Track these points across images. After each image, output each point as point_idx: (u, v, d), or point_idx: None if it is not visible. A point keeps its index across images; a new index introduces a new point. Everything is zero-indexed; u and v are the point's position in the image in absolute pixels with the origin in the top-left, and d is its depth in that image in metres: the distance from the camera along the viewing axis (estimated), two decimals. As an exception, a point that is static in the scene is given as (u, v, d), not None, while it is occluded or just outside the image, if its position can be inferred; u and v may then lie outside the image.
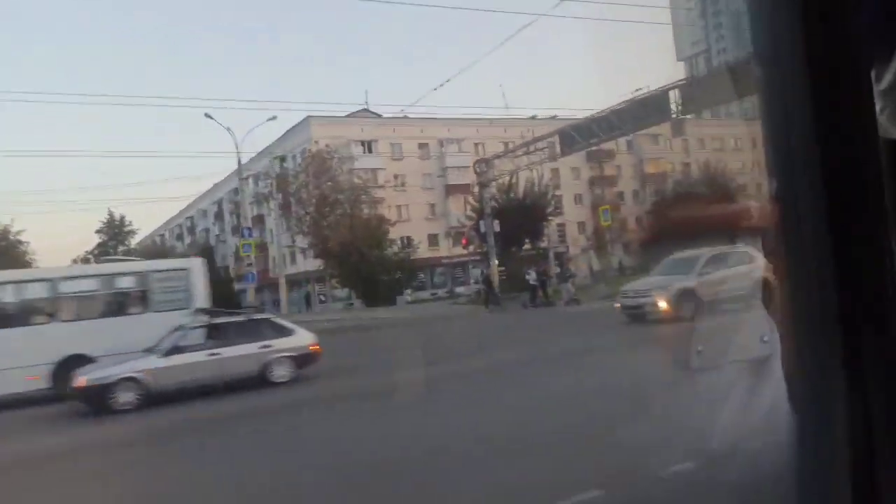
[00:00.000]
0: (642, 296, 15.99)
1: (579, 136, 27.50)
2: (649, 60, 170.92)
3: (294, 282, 52.11)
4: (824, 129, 0.73)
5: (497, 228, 32.56)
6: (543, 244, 41.23)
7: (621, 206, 59.71)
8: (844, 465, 0.75)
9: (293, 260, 51.88)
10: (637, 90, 26.39)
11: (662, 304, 14.99)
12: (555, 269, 36.51)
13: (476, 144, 52.84)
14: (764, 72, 0.78)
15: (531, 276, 27.46)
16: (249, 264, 34.32)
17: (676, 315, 14.09)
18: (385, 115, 55.18)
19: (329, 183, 37.74)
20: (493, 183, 35.60)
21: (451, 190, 52.69)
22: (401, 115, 55.58)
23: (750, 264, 13.59)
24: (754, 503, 3.69)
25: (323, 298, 48.61)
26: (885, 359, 0.74)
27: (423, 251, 50.95)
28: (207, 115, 36.62)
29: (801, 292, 0.79)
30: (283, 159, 49.78)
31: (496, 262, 32.86)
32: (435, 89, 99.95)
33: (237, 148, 38.24)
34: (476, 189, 35.90)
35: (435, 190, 54.50)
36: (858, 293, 0.74)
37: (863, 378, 0.74)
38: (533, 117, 53.49)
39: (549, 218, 39.77)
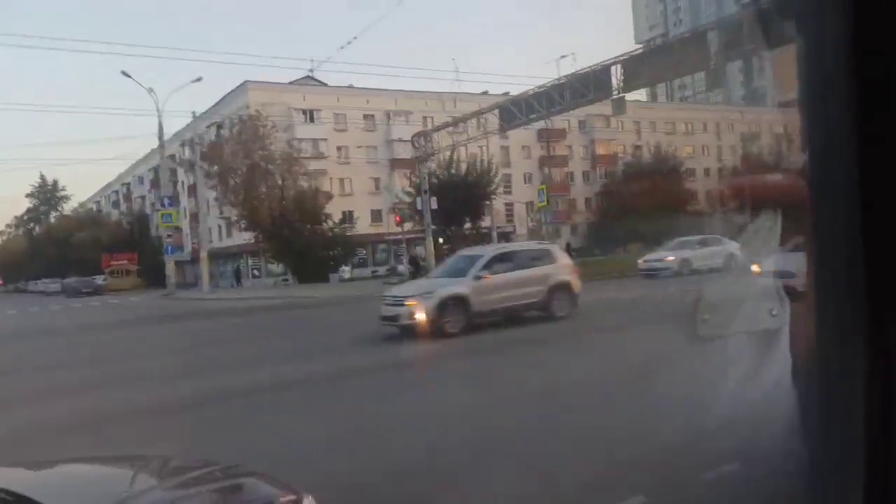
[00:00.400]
0: (399, 303, 11.95)
1: (518, 111, 26.06)
2: (608, 41, 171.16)
3: (228, 255, 49.77)
4: (863, 108, 0.71)
5: (434, 206, 31.07)
6: (486, 223, 39.88)
7: (571, 186, 58.91)
8: (860, 448, 0.74)
9: (229, 233, 49.46)
10: (562, 56, 25.11)
11: (420, 316, 11.29)
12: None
13: (425, 118, 50.89)
14: (804, 43, 0.77)
15: (403, 264, 25.68)
16: (169, 235, 32.11)
17: (440, 330, 11.21)
18: (330, 85, 52.82)
19: (261, 151, 35.44)
20: (434, 158, 34.00)
21: (396, 164, 50.79)
22: (346, 85, 53.56)
23: (552, 265, 12.66)
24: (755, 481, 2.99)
25: (257, 273, 46.47)
26: None
27: (365, 227, 49.27)
28: (125, 74, 33.89)
29: (828, 270, 0.78)
30: (220, 126, 47.04)
31: (431, 240, 31.43)
32: (342, 47, 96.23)
33: (158, 110, 35.41)
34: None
35: (380, 164, 52.55)
36: (889, 273, 0.71)
37: (888, 359, 0.72)
38: (485, 92, 51.84)
39: (492, 196, 38.34)
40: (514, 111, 26.47)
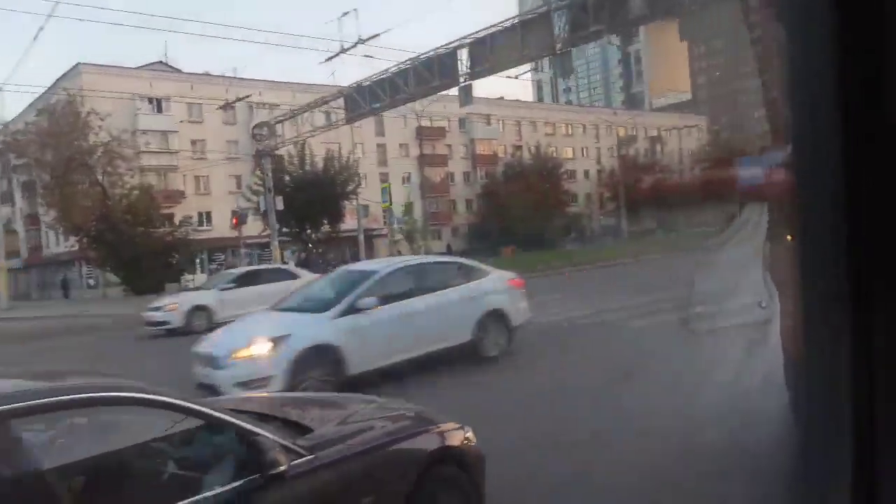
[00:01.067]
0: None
1: (363, 99, 23.14)
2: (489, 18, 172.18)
3: (60, 263, 43.61)
4: (849, 105, 0.72)
5: (280, 206, 27.59)
6: (350, 226, 36.65)
7: (451, 187, 56.85)
8: (847, 438, 0.76)
9: (66, 237, 43.36)
10: (344, 13, 22.58)
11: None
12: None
13: (292, 109, 46.94)
14: (790, 40, 0.79)
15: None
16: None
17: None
18: (184, 71, 47.76)
19: (77, 143, 30.37)
20: (284, 150, 30.47)
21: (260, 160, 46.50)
22: (202, 73, 48.62)
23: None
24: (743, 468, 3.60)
25: (92, 283, 40.78)
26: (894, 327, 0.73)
27: (225, 229, 44.60)
28: None
29: (812, 260, 0.79)
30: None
31: (277, 245, 27.94)
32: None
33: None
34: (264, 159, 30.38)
35: (242, 160, 48.03)
36: (873, 261, 0.72)
37: (871, 351, 0.73)
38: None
39: (351, 196, 35.19)
40: (358, 100, 23.52)
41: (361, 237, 36.14)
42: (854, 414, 0.75)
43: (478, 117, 54.09)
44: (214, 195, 45.58)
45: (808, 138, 0.77)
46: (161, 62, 48.18)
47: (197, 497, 2.32)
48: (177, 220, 35.70)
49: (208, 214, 44.81)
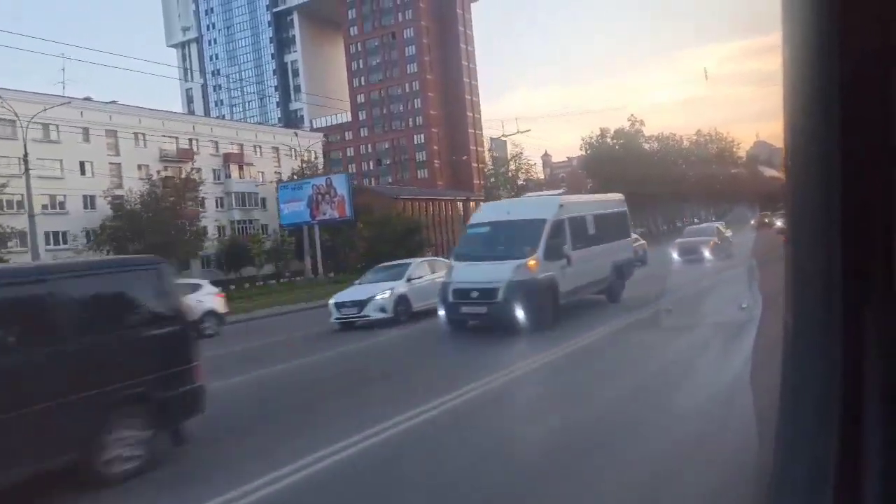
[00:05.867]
0: None
1: None
2: (137, 44, 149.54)
3: None
4: (842, 95, 0.73)
5: None
6: None
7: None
8: (832, 437, 0.77)
9: None
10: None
11: None
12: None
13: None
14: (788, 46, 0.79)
15: None
16: None
17: None
18: None
19: None
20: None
21: None
22: None
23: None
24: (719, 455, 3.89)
25: None
26: (887, 315, 0.74)
27: None
28: None
29: (807, 250, 0.80)
30: None
31: None
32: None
33: None
34: None
35: None
36: (866, 250, 0.74)
37: (861, 350, 0.75)
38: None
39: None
40: None
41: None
42: (842, 413, 0.75)
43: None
44: None
45: (803, 136, 0.77)
46: None
47: None
48: None
49: None
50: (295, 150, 54.50)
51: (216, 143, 51.83)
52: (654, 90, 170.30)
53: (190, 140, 49.69)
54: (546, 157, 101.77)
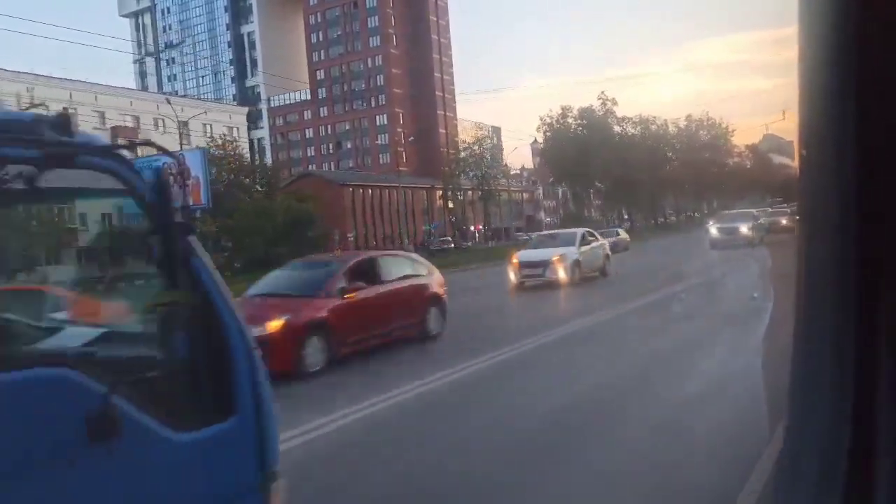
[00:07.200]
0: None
1: None
2: (88, 15, 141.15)
3: None
4: (858, 86, 0.73)
5: None
6: None
7: None
8: (843, 434, 0.77)
9: None
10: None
11: None
12: None
13: None
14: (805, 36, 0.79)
15: None
16: None
17: None
18: None
19: None
20: None
21: None
22: None
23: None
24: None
25: None
26: None
27: None
28: None
29: (820, 242, 0.81)
30: None
31: None
32: None
33: None
34: None
35: None
36: (880, 243, 0.74)
37: (874, 341, 0.75)
38: None
39: None
40: None
41: None
42: (854, 407, 0.75)
43: None
44: None
45: (819, 130, 0.77)
46: None
47: None
48: None
49: None
50: (211, 126, 46.27)
51: (102, 113, 43.73)
52: (660, 83, 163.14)
53: (74, 108, 41.73)
54: (535, 146, 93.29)
